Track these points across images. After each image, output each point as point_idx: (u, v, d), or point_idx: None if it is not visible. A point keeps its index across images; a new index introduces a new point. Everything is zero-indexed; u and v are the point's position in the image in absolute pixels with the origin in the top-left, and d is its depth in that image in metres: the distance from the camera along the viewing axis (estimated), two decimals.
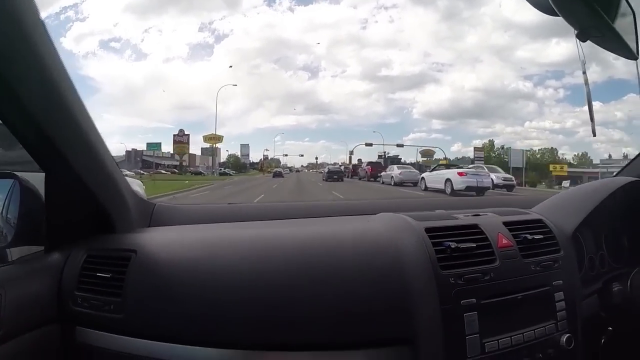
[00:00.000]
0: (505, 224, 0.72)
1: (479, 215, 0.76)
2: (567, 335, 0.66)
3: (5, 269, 0.64)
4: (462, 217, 0.74)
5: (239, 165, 46.33)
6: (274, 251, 0.67)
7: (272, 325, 0.60)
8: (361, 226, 0.74)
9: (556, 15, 0.56)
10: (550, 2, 0.53)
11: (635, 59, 0.68)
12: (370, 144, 37.33)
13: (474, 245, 0.65)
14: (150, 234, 0.77)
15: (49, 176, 0.67)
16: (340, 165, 31.10)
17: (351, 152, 36.71)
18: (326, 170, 23.46)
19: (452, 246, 0.63)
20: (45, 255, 0.70)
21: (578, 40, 0.60)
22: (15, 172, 0.71)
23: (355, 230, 0.73)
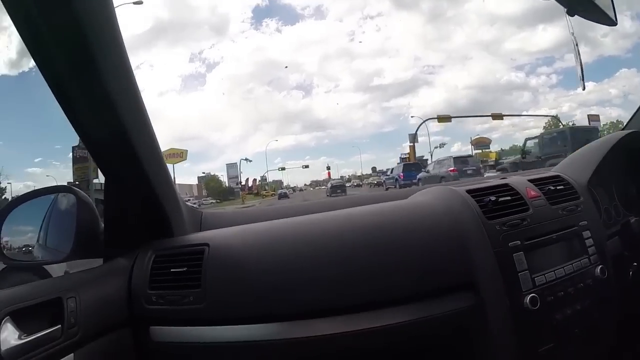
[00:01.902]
0: (530, 180, 0.82)
1: (506, 178, 0.86)
2: (600, 266, 0.75)
3: (75, 275, 0.68)
4: (493, 180, 0.84)
5: (221, 190, 38.74)
6: (332, 230, 0.74)
7: (346, 291, 0.66)
8: (404, 202, 0.83)
9: None
10: None
11: (615, 24, 0.78)
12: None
13: (509, 198, 0.75)
14: (212, 232, 0.82)
15: (114, 185, 0.73)
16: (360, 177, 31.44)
17: (328, 168, 36.77)
18: (329, 185, 23.75)
19: (493, 199, 0.73)
20: (113, 261, 0.74)
21: (567, 16, 0.69)
22: (72, 187, 0.77)
23: (402, 205, 0.81)
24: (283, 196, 27.00)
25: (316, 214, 0.85)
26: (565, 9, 0.68)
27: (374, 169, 43.67)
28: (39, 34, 0.53)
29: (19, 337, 0.53)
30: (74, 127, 0.64)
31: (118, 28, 0.60)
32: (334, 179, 31.54)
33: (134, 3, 19.02)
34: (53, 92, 0.59)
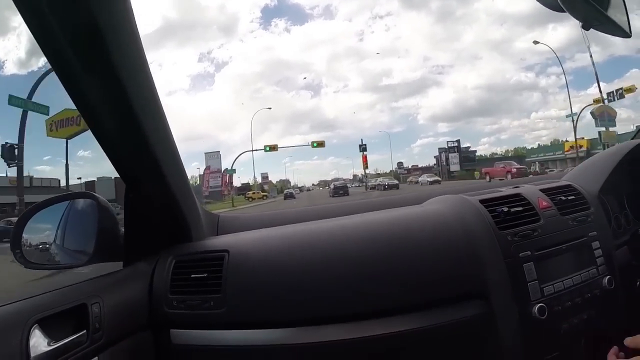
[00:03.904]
0: (542, 190, 0.83)
1: (519, 187, 0.87)
2: (608, 277, 0.76)
3: (97, 280, 0.70)
4: (506, 190, 0.85)
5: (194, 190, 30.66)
6: (347, 238, 0.75)
7: (360, 298, 0.68)
8: (418, 209, 0.84)
9: (563, 11, 0.66)
10: (559, 2, 0.63)
11: (630, 36, 0.78)
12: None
13: (521, 209, 0.76)
14: (231, 237, 0.84)
15: (134, 191, 0.75)
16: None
17: (364, 149, 28.18)
18: (332, 186, 23.57)
19: (505, 210, 0.74)
20: (134, 265, 0.76)
21: (583, 30, 0.70)
22: (92, 193, 0.78)
23: (417, 213, 0.83)
24: (289, 196, 26.06)
25: (331, 219, 0.87)
26: (581, 24, 0.69)
27: (400, 164, 39.39)
28: (57, 39, 0.52)
29: (48, 344, 0.54)
30: (93, 133, 0.65)
31: (138, 33, 0.59)
32: (336, 180, 30.63)
33: None
34: (72, 98, 0.59)
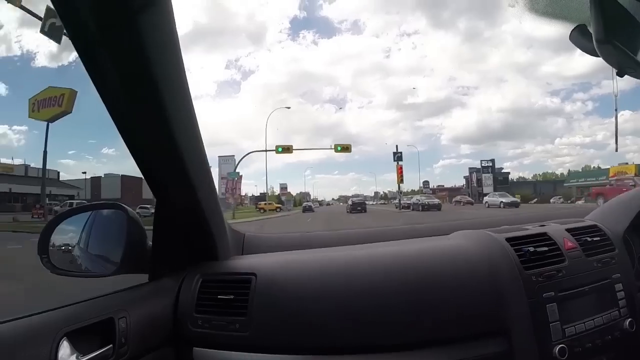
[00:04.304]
0: (568, 230, 0.84)
1: (544, 225, 0.87)
2: (630, 319, 0.77)
3: (125, 293, 0.71)
4: (532, 228, 0.85)
5: None
6: (373, 268, 0.76)
7: (382, 329, 0.68)
8: (446, 243, 0.84)
9: (597, 56, 0.67)
10: (595, 47, 0.65)
11: None
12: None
13: (547, 249, 0.77)
14: (257, 259, 0.85)
15: (163, 207, 0.76)
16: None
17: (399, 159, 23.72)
18: (350, 202, 21.82)
19: (531, 250, 0.75)
20: (160, 281, 0.77)
21: (614, 76, 0.71)
22: (122, 204, 0.80)
23: (443, 247, 0.83)
24: (308, 209, 25.47)
25: (358, 247, 0.87)
26: (616, 70, 0.70)
27: (426, 182, 35.42)
28: (96, 47, 0.51)
29: (76, 358, 0.55)
30: (127, 144, 0.65)
31: (179, 47, 0.58)
32: (354, 196, 28.41)
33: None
34: (110, 113, 0.59)
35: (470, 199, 25.11)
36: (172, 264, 0.79)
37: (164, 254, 0.78)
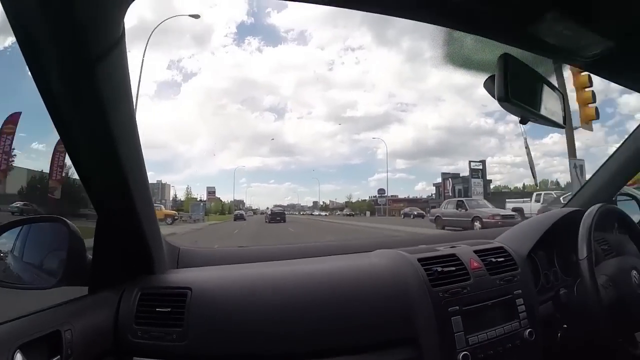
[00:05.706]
0: (475, 251, 0.95)
1: (455, 247, 0.98)
2: (529, 329, 0.87)
3: (67, 306, 0.74)
4: (443, 249, 0.96)
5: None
6: (300, 285, 0.84)
7: (307, 338, 0.77)
8: (365, 261, 0.94)
9: (502, 108, 0.75)
10: (496, 100, 0.72)
11: (564, 127, 0.90)
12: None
13: (454, 268, 0.87)
14: (192, 273, 0.90)
15: (104, 220, 0.79)
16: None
17: None
18: (269, 212, 22.63)
19: (439, 270, 0.85)
20: (101, 294, 0.80)
21: (520, 124, 0.80)
22: (61, 217, 0.82)
23: (362, 265, 0.92)
24: (239, 218, 25.07)
25: (287, 263, 0.95)
26: (519, 118, 0.79)
27: (381, 190, 35.87)
28: (37, 42, 0.50)
29: None
30: (71, 157, 0.68)
31: (127, 64, 0.60)
32: (276, 206, 28.33)
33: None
34: (55, 124, 0.60)
35: (421, 211, 25.26)
36: (112, 276, 0.82)
37: (104, 267, 0.81)
